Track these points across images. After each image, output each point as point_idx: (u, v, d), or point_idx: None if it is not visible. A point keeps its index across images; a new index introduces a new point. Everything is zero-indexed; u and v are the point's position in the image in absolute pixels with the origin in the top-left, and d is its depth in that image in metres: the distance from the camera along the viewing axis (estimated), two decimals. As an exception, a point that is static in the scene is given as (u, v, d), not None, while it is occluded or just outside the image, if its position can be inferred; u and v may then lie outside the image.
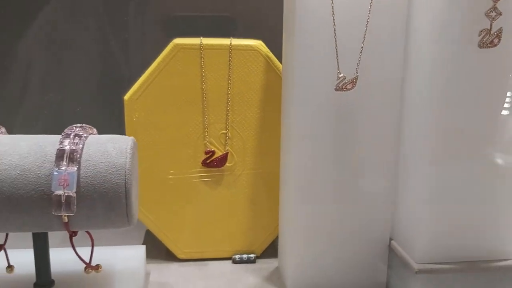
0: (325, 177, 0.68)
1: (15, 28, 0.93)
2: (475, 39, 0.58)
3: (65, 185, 0.54)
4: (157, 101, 0.74)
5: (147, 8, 0.94)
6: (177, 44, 0.73)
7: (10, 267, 0.66)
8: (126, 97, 0.74)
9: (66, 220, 0.55)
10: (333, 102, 0.65)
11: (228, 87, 0.75)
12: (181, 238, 0.79)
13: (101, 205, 0.56)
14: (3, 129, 0.61)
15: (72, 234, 0.59)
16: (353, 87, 0.63)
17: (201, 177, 0.77)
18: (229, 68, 0.74)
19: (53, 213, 0.55)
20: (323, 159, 0.67)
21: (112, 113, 0.94)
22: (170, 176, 0.76)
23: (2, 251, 0.62)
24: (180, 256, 0.80)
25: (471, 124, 0.62)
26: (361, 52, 0.63)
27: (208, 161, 0.76)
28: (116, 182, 0.56)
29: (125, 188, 0.56)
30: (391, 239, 0.71)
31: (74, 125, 0.59)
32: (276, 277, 0.76)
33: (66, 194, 0.54)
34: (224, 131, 0.76)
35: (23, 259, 0.69)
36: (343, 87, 0.63)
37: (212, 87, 0.74)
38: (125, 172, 0.57)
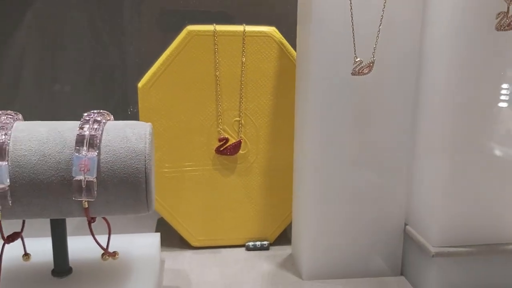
0: (340, 164, 0.68)
1: (19, 17, 0.93)
2: (492, 22, 0.58)
3: (85, 170, 0.54)
4: (171, 88, 0.74)
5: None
6: (191, 31, 0.72)
7: (26, 255, 0.66)
8: (140, 84, 0.73)
9: (86, 206, 0.55)
10: (349, 86, 0.65)
11: (242, 74, 0.75)
12: (194, 225, 0.79)
13: (121, 191, 0.56)
14: (20, 116, 0.60)
15: (91, 220, 0.58)
16: (369, 71, 0.63)
17: (214, 164, 0.77)
18: (243, 55, 0.74)
19: (73, 198, 0.54)
20: (338, 145, 0.68)
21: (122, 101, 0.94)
22: (184, 164, 0.76)
23: (19, 239, 0.61)
24: (194, 243, 0.80)
25: (487, 109, 0.62)
26: (377, 36, 0.63)
27: (221, 149, 0.76)
28: (136, 167, 0.56)
29: (145, 173, 0.56)
30: (406, 224, 0.71)
31: (92, 111, 0.59)
32: (290, 263, 0.76)
33: (87, 180, 0.54)
34: (238, 118, 0.76)
35: (40, 247, 0.69)
36: (360, 71, 0.63)
37: (226, 74, 0.74)
38: (145, 157, 0.56)
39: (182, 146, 0.76)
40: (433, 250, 0.63)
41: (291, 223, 0.82)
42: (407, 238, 0.71)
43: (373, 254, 0.72)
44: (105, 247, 0.63)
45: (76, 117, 0.59)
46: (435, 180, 0.65)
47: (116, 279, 0.63)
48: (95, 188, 0.54)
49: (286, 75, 0.75)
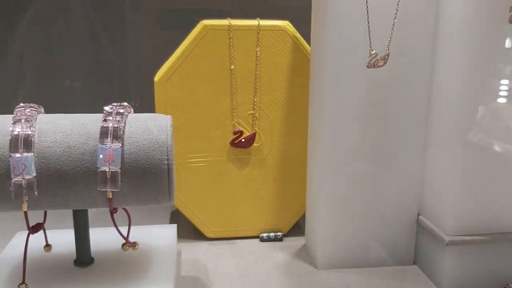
0: (354, 155, 0.70)
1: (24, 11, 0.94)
2: (506, 15, 0.60)
3: (110, 161, 0.55)
4: (187, 82, 0.75)
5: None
6: (206, 25, 0.74)
7: (48, 246, 0.67)
8: (156, 78, 0.75)
9: (111, 196, 0.56)
10: (364, 80, 0.66)
11: (256, 68, 0.76)
12: (209, 217, 0.80)
13: (145, 181, 0.57)
14: (42, 109, 0.61)
15: (113, 211, 0.60)
16: (384, 63, 0.64)
17: (229, 157, 0.78)
18: (257, 49, 0.75)
19: (98, 189, 0.56)
20: (352, 137, 0.69)
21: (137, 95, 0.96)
22: (199, 157, 0.78)
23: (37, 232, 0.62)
24: (209, 235, 0.81)
25: (502, 100, 0.63)
26: (392, 29, 0.64)
27: (236, 141, 0.77)
28: (159, 158, 0.57)
29: (168, 164, 0.57)
30: (419, 214, 0.73)
31: (113, 103, 0.60)
32: (304, 254, 0.78)
33: (112, 170, 0.55)
34: (252, 112, 0.77)
35: (62, 238, 0.70)
36: (375, 64, 0.64)
37: (240, 68, 0.76)
38: (167, 148, 0.58)
39: (198, 139, 0.77)
40: (447, 238, 0.65)
41: (304, 214, 0.83)
42: (420, 228, 0.72)
43: (386, 244, 0.73)
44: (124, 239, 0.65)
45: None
46: (448, 170, 0.66)
47: (136, 268, 0.64)
48: (119, 179, 0.56)
49: (299, 69, 0.77)
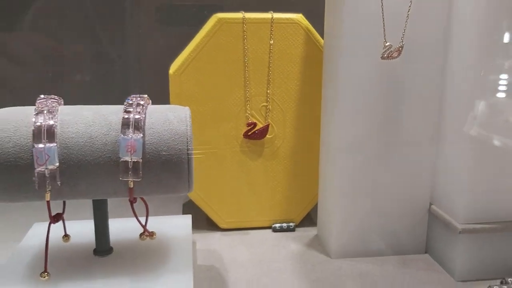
0: (366, 145, 0.71)
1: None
2: (519, 6, 0.61)
3: (132, 151, 0.56)
4: (201, 74, 0.76)
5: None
6: (221, 18, 0.74)
7: (66, 236, 0.69)
8: (171, 71, 0.75)
9: (132, 186, 0.57)
10: (378, 72, 0.67)
11: (269, 60, 0.77)
12: (223, 208, 0.81)
13: (165, 171, 0.58)
14: (62, 101, 0.62)
15: (134, 200, 0.61)
16: (399, 55, 0.65)
17: (242, 149, 0.79)
18: (270, 41, 0.76)
19: (120, 178, 0.57)
20: (365, 128, 0.70)
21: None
22: (213, 148, 0.79)
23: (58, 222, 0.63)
24: (222, 225, 0.82)
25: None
26: (406, 21, 0.65)
27: (249, 133, 0.78)
28: (179, 149, 0.58)
29: (187, 154, 0.58)
30: (431, 203, 0.74)
31: (133, 95, 0.61)
32: (316, 243, 0.79)
33: (133, 160, 0.56)
34: (265, 104, 0.78)
35: (80, 229, 0.71)
36: (389, 55, 0.65)
37: (254, 60, 0.76)
38: (187, 139, 0.59)
39: (211, 131, 0.78)
40: (459, 227, 0.66)
41: (315, 205, 0.84)
42: (432, 217, 0.73)
43: (399, 233, 0.74)
44: (142, 228, 0.66)
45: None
46: (461, 158, 0.67)
47: (155, 257, 0.65)
48: (141, 169, 0.57)
49: (312, 61, 0.78)
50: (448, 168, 0.70)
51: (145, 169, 0.57)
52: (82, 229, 0.71)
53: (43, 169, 0.55)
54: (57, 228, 0.67)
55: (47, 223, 0.62)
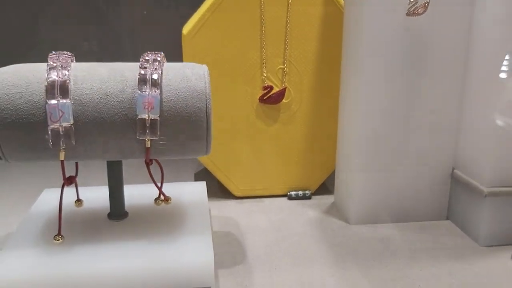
0: (388, 109, 0.68)
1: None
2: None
3: (149, 108, 0.54)
4: (215, 35, 0.73)
5: None
6: (237, -24, 0.71)
7: (79, 201, 0.67)
8: (184, 31, 0.72)
9: (149, 145, 0.55)
10: (402, 31, 0.65)
11: (287, 21, 0.74)
12: (237, 175, 0.79)
13: (183, 130, 0.56)
14: (74, 58, 0.59)
15: (150, 162, 0.58)
16: (424, 11, 0.62)
17: (257, 113, 0.77)
18: (289, 0, 0.73)
19: (137, 137, 0.54)
20: (388, 90, 0.67)
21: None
22: (227, 114, 0.76)
23: (71, 184, 0.61)
24: (236, 193, 0.80)
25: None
26: (434, -25, 0.62)
27: (265, 97, 0.76)
28: (198, 107, 0.56)
29: (206, 112, 0.56)
30: (453, 168, 0.72)
31: (148, 52, 0.58)
32: (334, 211, 0.77)
33: (151, 118, 0.54)
34: (282, 66, 0.76)
35: (93, 194, 0.69)
36: (415, 11, 0.62)
37: (270, 20, 0.73)
38: (206, 96, 0.56)
39: (226, 95, 0.75)
40: (485, 190, 0.64)
41: (330, 174, 0.82)
42: (455, 182, 0.71)
43: (419, 199, 0.72)
44: (158, 193, 0.64)
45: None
46: (487, 120, 0.65)
47: (171, 221, 0.63)
48: (159, 127, 0.54)
49: (331, 22, 0.75)
50: (474, 131, 0.68)
51: (163, 128, 0.55)
52: (95, 195, 0.69)
53: (57, 126, 0.52)
54: (69, 194, 0.65)
55: (58, 189, 0.60)
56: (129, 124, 0.54)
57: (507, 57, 0.62)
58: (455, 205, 0.72)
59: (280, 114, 0.78)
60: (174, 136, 0.56)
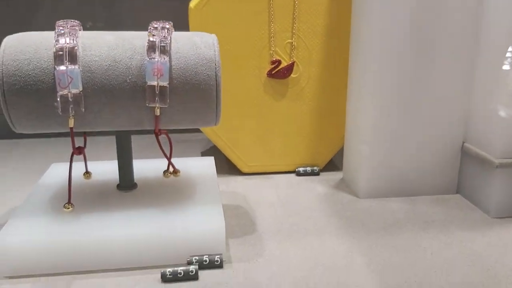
0: (398, 83, 0.67)
1: None
2: None
3: (159, 75, 0.53)
4: (223, 8, 0.72)
5: None
6: None
7: (87, 173, 0.66)
8: (191, 4, 0.72)
9: (158, 113, 0.55)
10: (413, 3, 0.64)
11: (295, -7, 0.73)
12: (245, 151, 0.79)
13: (193, 98, 0.55)
14: (81, 27, 0.59)
15: (159, 132, 0.57)
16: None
17: (265, 89, 0.76)
18: (297, -27, 0.72)
19: (146, 104, 0.54)
20: (398, 64, 0.67)
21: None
22: (235, 89, 0.75)
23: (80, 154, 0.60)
24: (244, 170, 0.80)
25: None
26: None
27: (273, 72, 0.75)
28: (208, 74, 0.55)
29: (216, 80, 0.55)
30: (463, 142, 0.71)
31: (156, 21, 0.58)
32: (343, 186, 0.76)
33: (160, 85, 0.53)
34: (290, 40, 0.75)
35: (102, 167, 0.69)
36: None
37: (279, -7, 0.73)
38: (215, 64, 0.56)
39: (234, 70, 0.75)
40: (496, 161, 0.63)
41: (339, 151, 0.82)
42: (465, 156, 0.71)
43: (429, 173, 0.72)
44: (167, 165, 0.63)
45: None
46: (498, 92, 0.64)
47: (181, 193, 0.63)
48: (168, 94, 0.54)
49: (340, -6, 0.74)
50: (485, 103, 0.67)
51: (172, 96, 0.54)
52: (104, 168, 0.69)
53: (66, 93, 0.52)
54: (78, 168, 0.65)
55: (66, 163, 0.60)
56: (138, 91, 0.54)
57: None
58: (465, 179, 0.71)
59: (289, 89, 0.77)
60: (183, 105, 0.55)
